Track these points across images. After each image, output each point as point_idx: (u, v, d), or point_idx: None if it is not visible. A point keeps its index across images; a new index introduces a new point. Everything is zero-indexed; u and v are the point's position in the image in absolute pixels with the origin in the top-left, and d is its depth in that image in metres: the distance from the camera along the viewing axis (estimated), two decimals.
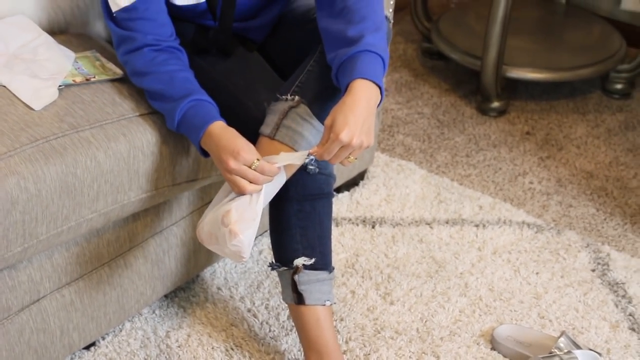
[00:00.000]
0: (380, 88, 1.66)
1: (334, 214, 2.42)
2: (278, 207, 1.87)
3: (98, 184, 1.72)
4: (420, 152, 2.79)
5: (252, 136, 1.75)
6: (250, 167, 1.67)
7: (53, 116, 1.71)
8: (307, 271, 1.86)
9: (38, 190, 1.62)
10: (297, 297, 1.87)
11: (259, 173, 1.67)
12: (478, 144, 2.85)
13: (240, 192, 1.69)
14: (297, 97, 1.76)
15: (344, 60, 1.67)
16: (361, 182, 2.59)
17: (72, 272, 1.82)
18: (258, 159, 1.67)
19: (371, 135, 1.64)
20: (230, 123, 1.72)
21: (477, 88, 3.07)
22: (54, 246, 1.75)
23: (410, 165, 2.68)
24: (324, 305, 1.88)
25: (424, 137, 2.88)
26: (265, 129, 1.75)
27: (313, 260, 1.86)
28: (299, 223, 1.86)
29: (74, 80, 1.81)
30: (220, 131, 1.71)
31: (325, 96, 1.77)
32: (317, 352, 1.88)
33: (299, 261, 1.86)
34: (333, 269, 1.91)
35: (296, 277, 1.86)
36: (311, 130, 1.77)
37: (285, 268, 1.88)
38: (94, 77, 1.85)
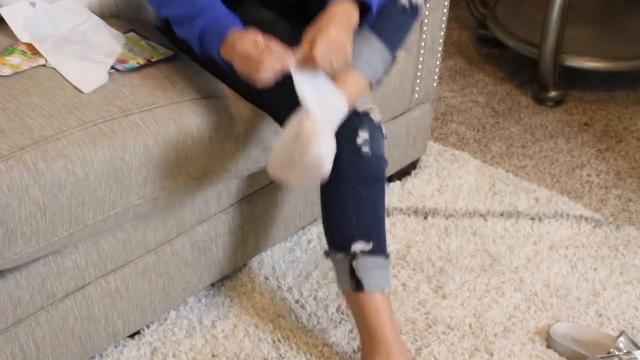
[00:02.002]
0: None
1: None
2: (331, 192, 1.84)
3: (146, 169, 1.70)
4: (474, 142, 2.74)
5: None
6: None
7: (102, 99, 1.70)
8: (364, 257, 1.83)
9: (85, 174, 1.61)
10: (355, 284, 1.83)
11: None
12: (534, 135, 2.79)
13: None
14: None
15: None
16: (413, 172, 2.55)
17: (118, 258, 1.81)
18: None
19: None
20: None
21: (533, 77, 3.01)
22: (100, 232, 1.74)
23: (464, 155, 2.63)
24: (383, 290, 1.84)
25: (478, 126, 2.83)
26: None
27: (371, 245, 1.83)
28: (355, 207, 1.83)
29: (138, 63, 1.81)
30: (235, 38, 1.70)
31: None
32: (376, 340, 1.84)
33: (357, 246, 1.82)
34: (389, 255, 1.88)
35: (354, 262, 1.82)
36: (368, 47, 1.84)
37: (342, 254, 1.85)
38: (152, 58, 1.84)
